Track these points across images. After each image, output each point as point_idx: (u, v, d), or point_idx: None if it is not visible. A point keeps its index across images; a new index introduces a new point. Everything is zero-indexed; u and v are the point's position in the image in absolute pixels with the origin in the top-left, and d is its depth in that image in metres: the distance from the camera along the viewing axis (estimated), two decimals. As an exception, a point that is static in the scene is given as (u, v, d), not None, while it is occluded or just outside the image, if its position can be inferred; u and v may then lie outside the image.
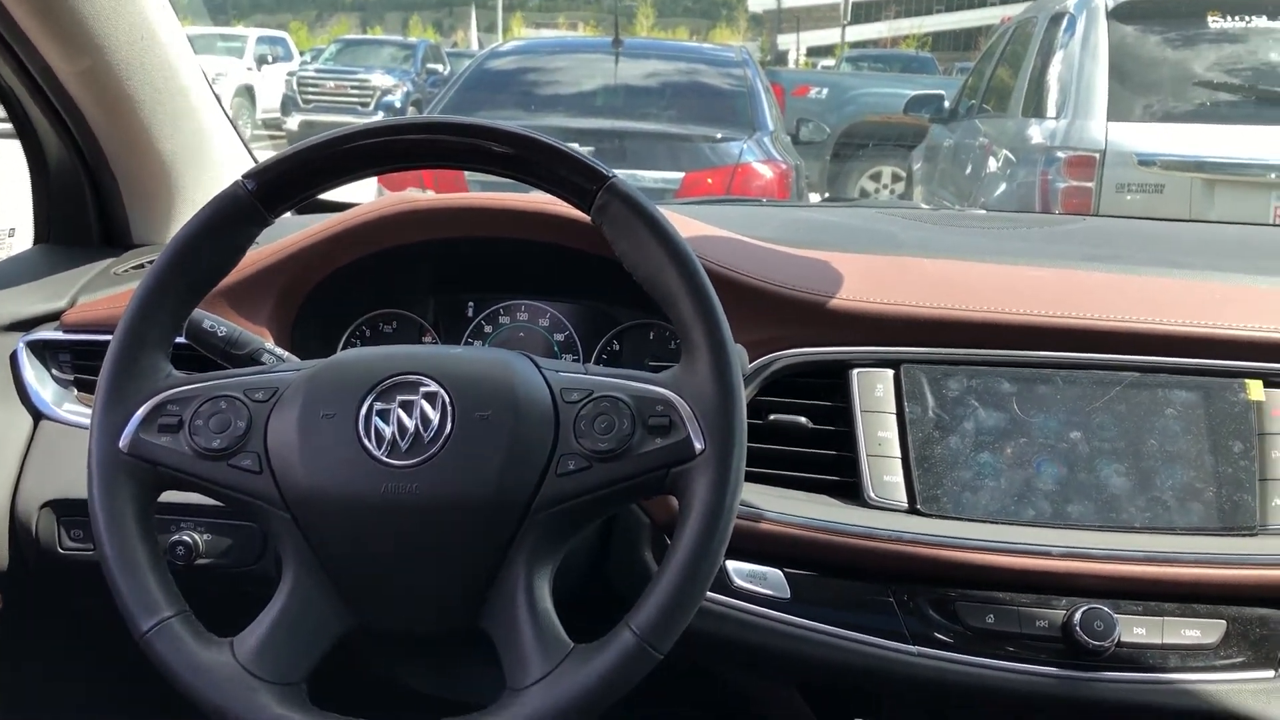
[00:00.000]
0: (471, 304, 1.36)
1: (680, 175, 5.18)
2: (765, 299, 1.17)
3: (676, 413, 0.91)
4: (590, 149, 5.02)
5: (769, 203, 1.96)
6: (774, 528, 1.12)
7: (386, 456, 0.91)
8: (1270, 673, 1.06)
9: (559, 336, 1.34)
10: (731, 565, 1.13)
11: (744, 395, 0.92)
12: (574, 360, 1.33)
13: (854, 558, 1.11)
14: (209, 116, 1.51)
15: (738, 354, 0.95)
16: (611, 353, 1.33)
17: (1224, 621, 1.07)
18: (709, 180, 5.24)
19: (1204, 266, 1.31)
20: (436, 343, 1.35)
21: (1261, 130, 4.64)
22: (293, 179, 0.95)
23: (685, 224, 1.24)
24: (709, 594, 1.11)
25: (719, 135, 5.44)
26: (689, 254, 0.94)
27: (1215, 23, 4.81)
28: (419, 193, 1.32)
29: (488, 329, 1.35)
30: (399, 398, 0.93)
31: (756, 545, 1.12)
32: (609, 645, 0.88)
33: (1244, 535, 1.07)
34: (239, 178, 0.95)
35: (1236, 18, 4.80)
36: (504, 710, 0.88)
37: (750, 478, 1.15)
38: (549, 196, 0.99)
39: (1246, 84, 4.82)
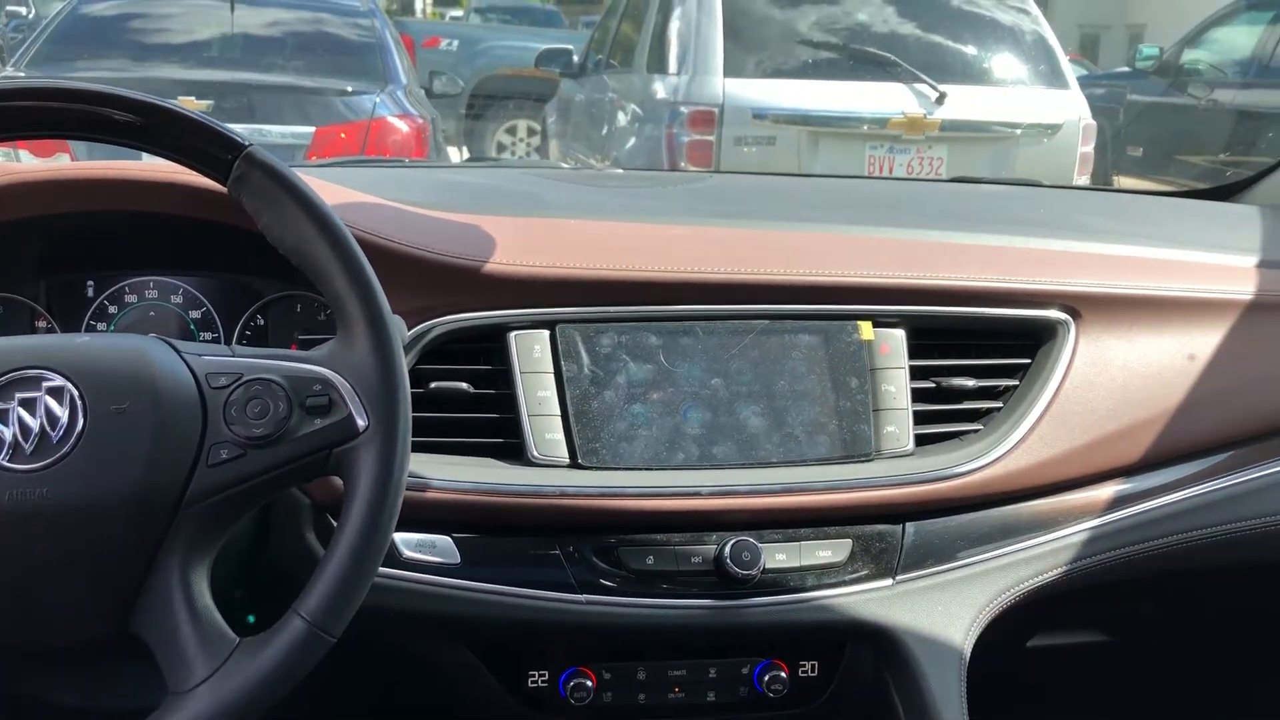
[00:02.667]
0: (92, 283, 1.24)
1: (311, 130, 4.96)
2: (421, 266, 1.16)
3: (336, 391, 0.89)
4: (210, 103, 4.68)
5: (412, 164, 1.93)
6: (441, 495, 1.12)
7: (8, 461, 0.82)
8: (889, 581, 1.19)
9: (195, 314, 1.25)
10: (400, 537, 1.12)
11: (405, 367, 0.91)
12: (214, 339, 1.26)
13: (521, 516, 1.14)
14: None
15: (396, 325, 0.93)
16: (255, 328, 1.26)
17: (850, 540, 1.19)
18: (342, 135, 5.06)
19: (820, 219, 1.44)
20: (54, 329, 1.22)
21: (856, 85, 5.11)
22: None
23: (330, 190, 1.20)
24: (381, 569, 1.10)
25: (350, 88, 5.25)
26: (338, 224, 0.91)
27: (813, -16, 5.23)
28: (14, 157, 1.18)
29: (112, 310, 1.24)
30: (19, 395, 0.84)
31: (424, 514, 1.12)
32: (278, 634, 0.85)
33: (863, 461, 1.20)
34: None
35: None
36: (169, 716, 0.83)
37: (415, 447, 1.14)
38: (173, 164, 0.92)
39: (843, 42, 5.28)
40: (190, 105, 4.90)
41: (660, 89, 5.35)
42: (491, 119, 9.01)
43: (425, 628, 1.16)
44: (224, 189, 0.92)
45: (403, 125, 5.25)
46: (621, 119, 5.89)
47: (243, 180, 0.91)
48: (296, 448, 0.88)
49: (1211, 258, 1.38)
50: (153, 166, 1.11)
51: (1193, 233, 1.55)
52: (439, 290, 1.16)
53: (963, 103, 4.97)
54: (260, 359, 0.91)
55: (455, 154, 8.08)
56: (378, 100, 5.23)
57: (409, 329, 1.14)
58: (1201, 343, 1.31)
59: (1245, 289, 1.33)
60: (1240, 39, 7.71)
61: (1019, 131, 5.04)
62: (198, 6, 5.67)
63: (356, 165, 1.72)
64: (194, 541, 0.87)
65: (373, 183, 1.38)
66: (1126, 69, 9.24)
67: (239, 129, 0.92)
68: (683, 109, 5.01)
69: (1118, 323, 1.29)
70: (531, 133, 8.81)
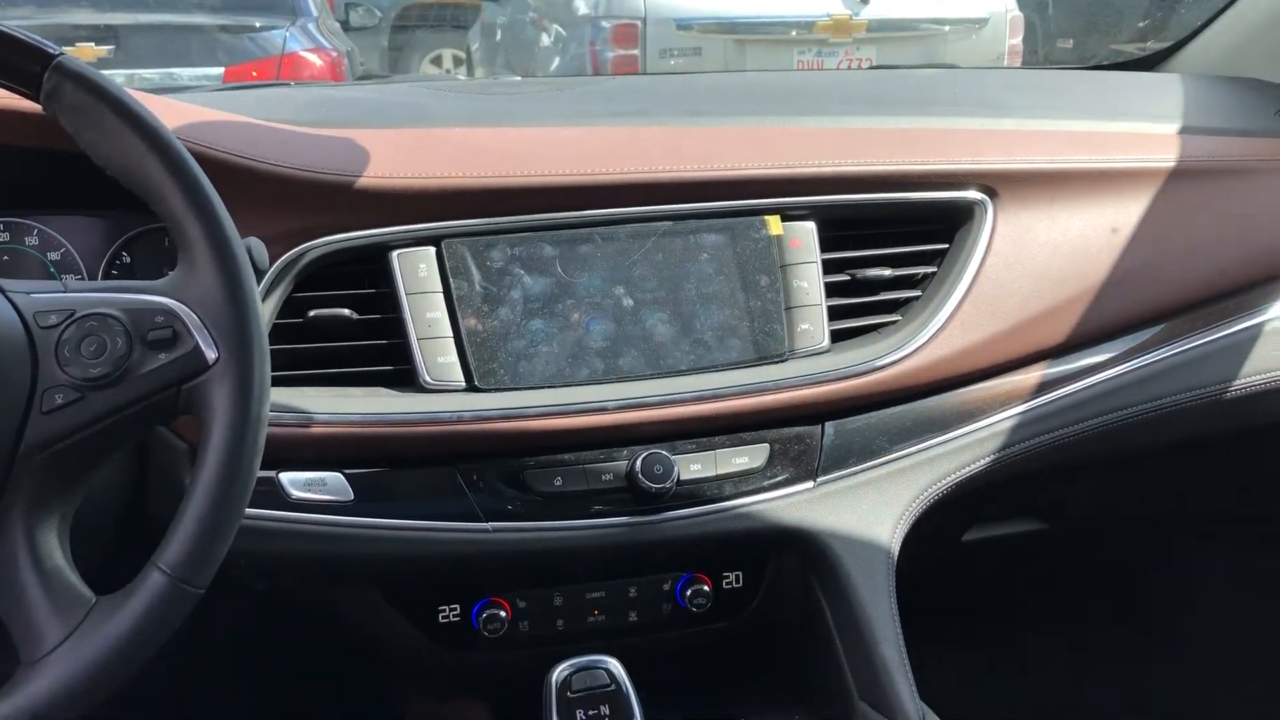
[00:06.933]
0: None
1: (220, 71, 4.78)
2: (285, 185, 1.07)
3: (180, 322, 0.81)
4: (110, 48, 4.49)
5: (297, 85, 1.82)
6: (327, 429, 1.05)
7: None
8: (810, 484, 1.14)
9: (53, 256, 1.16)
10: (286, 477, 1.05)
11: (257, 291, 0.84)
12: (78, 281, 1.17)
13: (417, 446, 1.07)
14: None
15: (250, 247, 0.86)
16: (122, 266, 1.17)
17: (767, 445, 1.14)
18: (254, 74, 4.88)
19: (723, 113, 1.36)
20: None
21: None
22: None
23: (181, 109, 1.11)
24: (265, 512, 1.03)
25: (258, 24, 5.05)
26: (168, 137, 0.82)
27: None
28: None
29: None
30: None
31: (312, 451, 1.05)
32: (137, 590, 0.78)
33: (776, 362, 1.14)
34: None
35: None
36: (20, 689, 0.76)
37: (299, 380, 1.07)
38: None
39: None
40: (89, 52, 4.71)
41: (581, 4, 5.21)
42: (415, 49, 8.75)
43: (322, 571, 1.09)
44: (39, 107, 0.83)
45: (316, 60, 5.07)
46: (545, 39, 5.74)
47: (56, 95, 0.82)
48: (140, 386, 0.80)
49: (1130, 127, 1.33)
50: None
51: (1113, 104, 1.49)
52: (311, 210, 1.08)
53: (888, 1, 4.89)
54: (95, 292, 0.82)
55: (379, 88, 7.84)
56: (288, 35, 5.04)
57: (279, 254, 1.06)
58: (1124, 215, 1.26)
59: (1166, 157, 1.28)
60: (1166, -80, 7.63)
61: (946, 28, 4.98)
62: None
63: (228, 90, 1.62)
64: (38, 497, 0.79)
65: (242, 105, 1.28)
66: (1055, -42, 9.13)
67: (150, 74, 0.83)
68: (604, 23, 4.89)
69: (1037, 199, 1.23)
70: (458, 62, 8.58)
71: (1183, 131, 1.32)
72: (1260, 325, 1.28)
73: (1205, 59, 1.67)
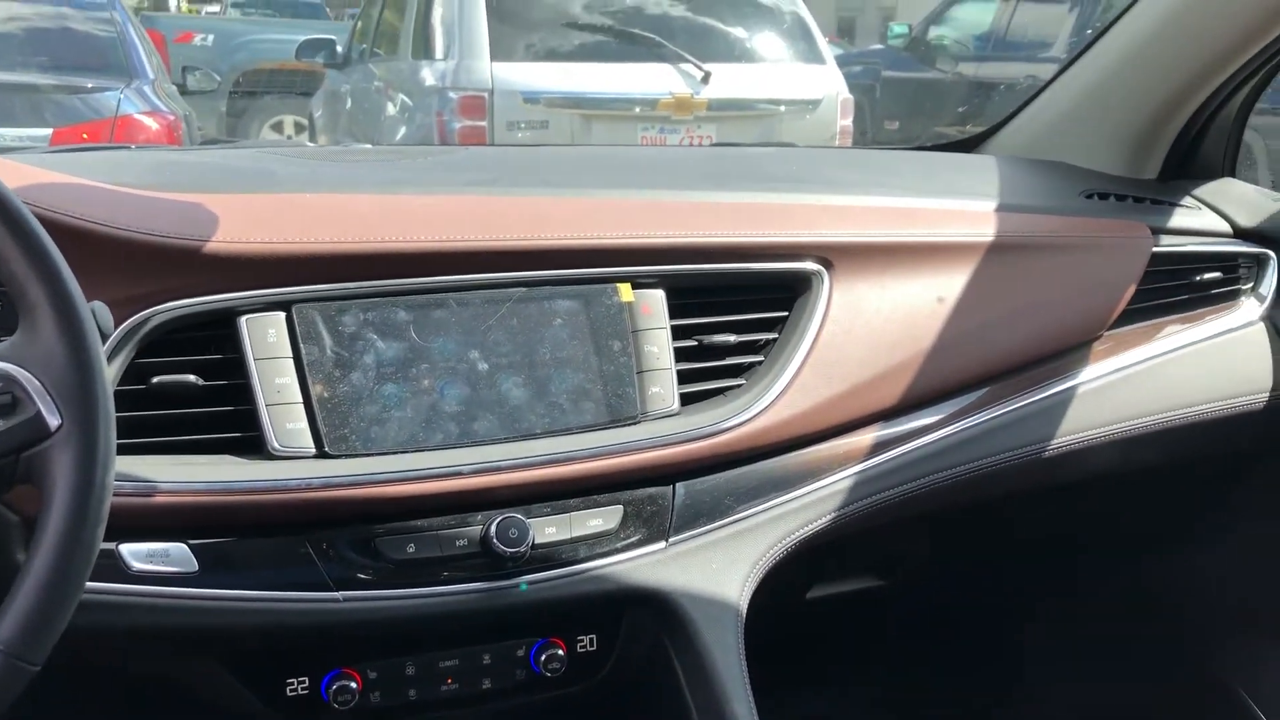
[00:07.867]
0: None
1: (48, 132, 4.59)
2: (129, 248, 1.04)
3: (20, 387, 0.78)
4: (-76, 105, 4.28)
5: (138, 148, 1.78)
6: (171, 499, 1.02)
7: None
8: (662, 544, 1.17)
9: None
10: (127, 548, 1.01)
11: (103, 355, 0.82)
12: None
13: (265, 514, 1.05)
14: None
15: (95, 311, 0.84)
16: None
17: (621, 506, 1.16)
18: (85, 136, 4.71)
19: (573, 184, 1.40)
20: None
21: (625, 67, 5.14)
22: None
23: (18, 171, 1.07)
24: (104, 585, 0.99)
25: (90, 85, 4.89)
26: (10, 199, 0.80)
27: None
28: None
29: None
30: None
31: (154, 521, 1.02)
32: None
33: (629, 424, 1.16)
34: None
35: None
36: None
37: (141, 449, 1.04)
38: None
39: (610, 24, 5.28)
40: (-97, 109, 4.47)
41: (428, 75, 5.23)
42: (255, 115, 8.60)
43: (165, 645, 1.05)
44: None
45: (152, 123, 4.93)
46: (390, 108, 5.73)
47: None
48: None
49: (954, 204, 1.42)
50: None
51: (938, 182, 1.59)
52: (155, 275, 1.05)
53: (728, 81, 5.08)
54: None
55: (216, 153, 7.65)
56: (122, 97, 4.89)
57: (122, 319, 1.03)
58: (949, 285, 1.34)
59: (986, 232, 1.37)
60: (978, 16, 8.21)
61: (782, 108, 5.20)
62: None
63: (63, 152, 1.57)
64: None
65: (83, 167, 1.25)
66: (880, 46, 9.68)
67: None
68: (452, 94, 4.91)
69: (870, 270, 1.30)
70: (300, 129, 8.46)
71: (1000, 209, 1.42)
72: (1074, 388, 1.39)
73: (1018, 142, 1.80)
